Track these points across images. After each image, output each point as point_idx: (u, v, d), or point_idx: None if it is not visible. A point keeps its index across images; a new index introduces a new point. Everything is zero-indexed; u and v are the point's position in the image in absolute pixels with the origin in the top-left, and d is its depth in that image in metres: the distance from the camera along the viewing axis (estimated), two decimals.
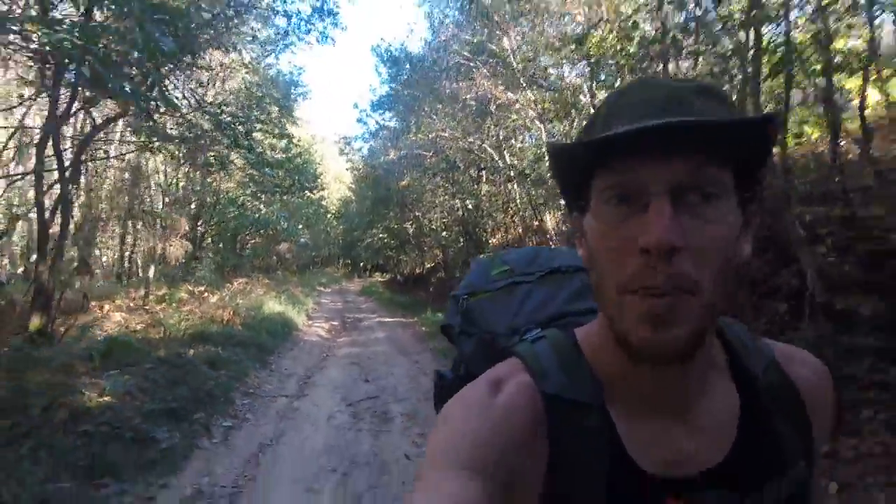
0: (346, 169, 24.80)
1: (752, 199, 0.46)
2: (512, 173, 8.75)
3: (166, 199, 8.71)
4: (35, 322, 5.27)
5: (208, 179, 11.24)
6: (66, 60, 3.47)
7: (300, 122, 13.04)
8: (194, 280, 10.40)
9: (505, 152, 9.23)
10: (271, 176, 8.20)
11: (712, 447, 0.50)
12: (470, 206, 11.27)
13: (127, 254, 11.57)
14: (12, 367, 3.73)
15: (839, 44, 4.25)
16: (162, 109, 4.32)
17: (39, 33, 3.14)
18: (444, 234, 12.66)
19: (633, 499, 0.48)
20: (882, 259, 3.70)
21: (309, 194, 16.88)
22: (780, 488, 0.50)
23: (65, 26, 3.25)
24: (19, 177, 6.60)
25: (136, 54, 3.69)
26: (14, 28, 3.36)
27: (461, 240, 12.41)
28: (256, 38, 8.17)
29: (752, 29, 3.97)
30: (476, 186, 10.61)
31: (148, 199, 8.42)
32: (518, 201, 9.57)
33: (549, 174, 8.68)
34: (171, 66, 4.33)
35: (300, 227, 17.00)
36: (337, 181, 29.95)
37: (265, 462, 3.33)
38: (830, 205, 4.37)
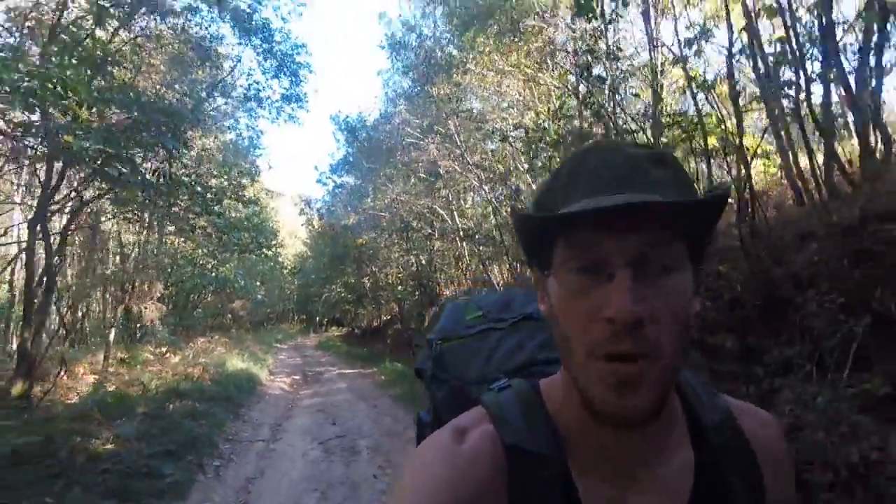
0: (302, 224, 25.54)
1: (701, 266, 0.48)
2: (461, 233, 9.87)
3: (125, 264, 9.19)
4: (17, 388, 5.73)
5: (164, 242, 11.79)
6: (87, 160, 4.28)
7: (258, 180, 13.82)
8: (156, 341, 10.73)
9: (454, 212, 10.39)
10: (237, 238, 8.93)
11: None
12: (423, 262, 12.30)
13: (79, 316, 11.77)
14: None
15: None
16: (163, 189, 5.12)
17: (72, 139, 3.97)
18: (399, 287, 13.56)
19: None
20: (736, 305, 4.90)
21: (266, 252, 17.49)
22: None
23: (89, 133, 4.10)
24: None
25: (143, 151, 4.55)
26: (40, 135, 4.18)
27: (416, 293, 13.34)
28: (229, 117, 9.11)
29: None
30: (429, 243, 11.68)
31: (110, 263, 8.89)
32: (467, 257, 10.67)
33: (493, 232, 9.87)
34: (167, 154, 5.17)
35: (257, 284, 17.47)
36: (292, 236, 30.46)
37: (255, 490, 4.00)
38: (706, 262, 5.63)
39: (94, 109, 3.82)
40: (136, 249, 10.17)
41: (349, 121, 12.29)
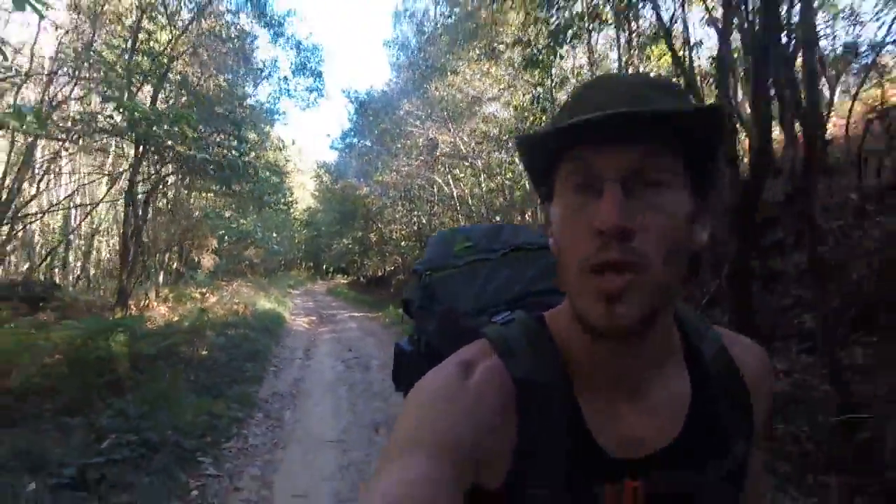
0: (311, 178, 27.45)
1: (706, 187, 0.50)
2: (456, 199, 11.80)
3: (190, 222, 11.25)
4: (118, 314, 7.89)
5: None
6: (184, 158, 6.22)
7: (285, 151, 15.64)
8: (195, 283, 12.89)
9: (451, 180, 12.28)
10: (269, 201, 10.90)
11: (665, 427, 0.54)
12: (424, 221, 14.26)
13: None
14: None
15: None
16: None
17: (182, 149, 5.88)
18: (402, 243, 15.60)
19: (594, 480, 0.51)
20: None
21: (283, 206, 19.48)
22: (722, 466, 0.54)
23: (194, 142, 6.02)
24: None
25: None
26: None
27: (417, 248, 15.39)
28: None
29: None
30: (428, 206, 13.62)
31: (180, 222, 10.96)
32: (461, 218, 12.64)
33: (483, 197, 11.78)
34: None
35: (273, 235, 19.51)
36: (301, 188, 32.36)
37: (302, 383, 6.15)
38: None
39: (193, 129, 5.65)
40: (197, 212, 12.21)
41: (359, 96, 13.99)
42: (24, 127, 5.66)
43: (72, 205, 11.13)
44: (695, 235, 0.50)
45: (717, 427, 0.55)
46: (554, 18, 5.07)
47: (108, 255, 14.84)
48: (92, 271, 13.66)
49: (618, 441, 0.52)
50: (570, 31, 4.95)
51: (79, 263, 13.52)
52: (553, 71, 6.08)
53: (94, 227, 13.06)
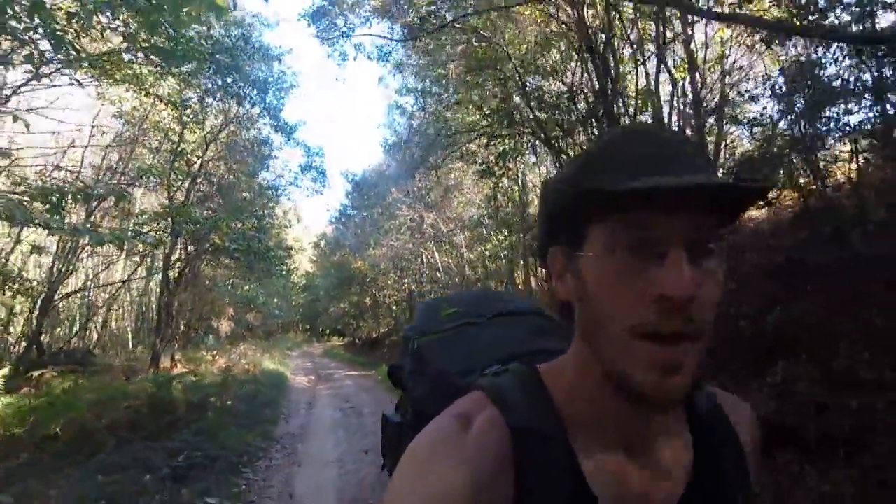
0: (308, 243, 29.51)
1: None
2: (440, 269, 13.67)
3: (212, 293, 13.04)
4: (151, 373, 9.50)
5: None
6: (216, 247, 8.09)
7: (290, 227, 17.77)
8: (206, 347, 14.46)
9: (436, 253, 14.18)
10: (275, 272, 12.73)
11: (668, 485, 0.54)
12: (413, 288, 16.07)
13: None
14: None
15: None
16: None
17: (219, 241, 7.76)
18: (395, 307, 17.32)
19: None
20: None
21: (283, 274, 21.40)
22: None
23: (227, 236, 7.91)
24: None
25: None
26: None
27: (408, 311, 17.10)
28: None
29: None
30: (416, 275, 15.48)
31: (204, 294, 12.76)
32: (444, 287, 14.46)
33: (465, 269, 13.62)
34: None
35: (274, 300, 21.25)
36: (300, 253, 34.48)
37: (308, 426, 7.70)
38: None
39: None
40: (217, 285, 14.07)
41: (355, 177, 16.23)
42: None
43: (100, 283, 12.95)
44: None
45: (721, 484, 0.56)
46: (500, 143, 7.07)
47: (122, 325, 16.53)
48: (106, 339, 15.27)
49: (617, 496, 0.52)
50: (511, 153, 6.91)
51: (96, 332, 15.18)
52: (503, 178, 8.10)
53: (110, 301, 14.81)
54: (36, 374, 7.28)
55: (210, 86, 9.02)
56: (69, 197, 4.61)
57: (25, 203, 4.53)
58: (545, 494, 0.51)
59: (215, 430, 5.75)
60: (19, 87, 7.14)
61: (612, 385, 0.49)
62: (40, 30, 4.72)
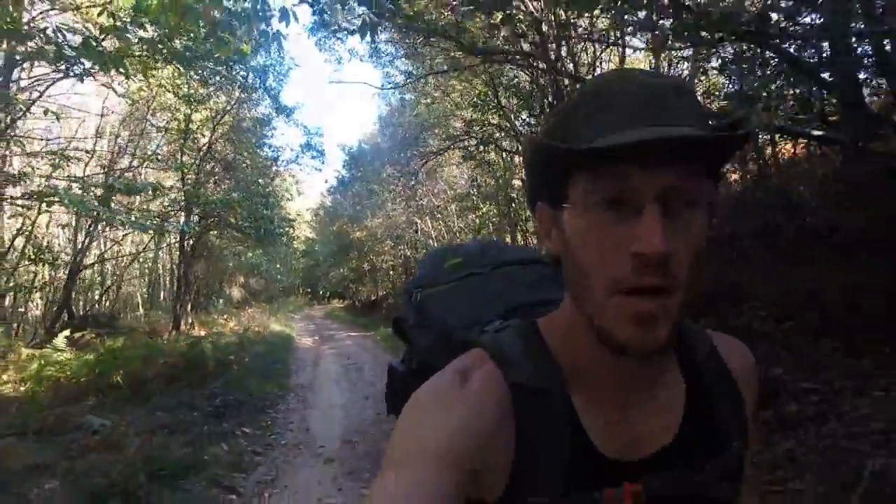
0: (307, 209, 30.54)
1: (713, 201, 0.49)
2: (434, 236, 14.77)
3: (221, 263, 14.18)
4: (172, 335, 10.72)
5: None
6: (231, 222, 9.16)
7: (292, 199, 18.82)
8: (217, 311, 15.72)
9: (429, 221, 15.24)
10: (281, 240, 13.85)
11: (662, 429, 0.56)
12: (409, 254, 17.20)
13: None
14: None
15: None
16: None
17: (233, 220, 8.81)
18: (391, 272, 18.51)
19: (593, 482, 0.52)
20: None
21: (285, 240, 22.58)
22: (719, 465, 0.56)
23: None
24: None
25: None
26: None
27: (404, 275, 18.30)
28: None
29: None
30: (410, 243, 16.59)
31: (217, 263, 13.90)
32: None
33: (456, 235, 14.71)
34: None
35: (277, 265, 22.42)
36: (298, 216, 35.63)
37: (315, 379, 8.96)
38: None
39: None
40: (229, 254, 15.22)
41: (351, 149, 17.14)
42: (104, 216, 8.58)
43: (117, 255, 14.05)
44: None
45: (714, 426, 0.57)
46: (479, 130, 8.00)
47: (134, 292, 17.74)
48: (120, 304, 16.52)
49: (616, 444, 0.54)
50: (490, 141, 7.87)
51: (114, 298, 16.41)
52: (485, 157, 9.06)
53: (125, 270, 15.94)
54: (77, 335, 8.46)
55: (212, 73, 9.84)
56: (115, 191, 5.65)
57: (83, 196, 5.57)
58: (546, 449, 0.52)
59: (240, 381, 6.97)
60: (52, 83, 8.05)
61: (598, 340, 0.50)
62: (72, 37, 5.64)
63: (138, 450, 3.87)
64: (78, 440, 4.27)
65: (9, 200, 7.37)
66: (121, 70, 5.81)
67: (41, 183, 7.99)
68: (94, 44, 5.11)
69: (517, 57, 6.12)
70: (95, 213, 5.44)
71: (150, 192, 7.47)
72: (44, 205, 6.20)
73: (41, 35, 5.98)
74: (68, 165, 11.22)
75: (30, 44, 5.82)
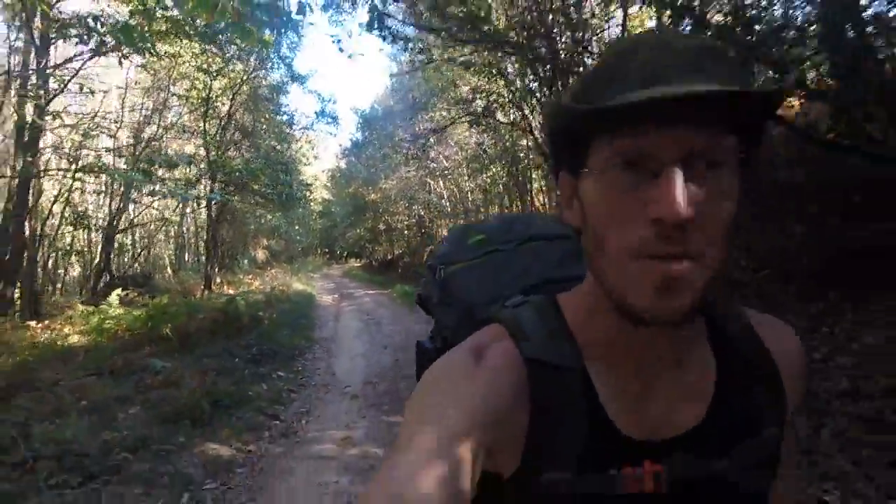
0: (323, 171, 31.19)
1: (746, 165, 0.46)
2: (445, 198, 15.37)
3: (246, 227, 15.03)
4: (203, 293, 11.66)
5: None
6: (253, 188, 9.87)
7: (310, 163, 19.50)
8: (242, 270, 16.68)
9: (441, 183, 15.79)
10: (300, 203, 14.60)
11: (689, 410, 0.53)
12: (422, 213, 17.85)
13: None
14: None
15: None
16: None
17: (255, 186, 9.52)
18: (406, 231, 19.23)
19: (611, 461, 0.51)
20: None
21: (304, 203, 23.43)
22: (750, 451, 0.53)
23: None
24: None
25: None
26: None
27: (418, 235, 19.00)
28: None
29: None
30: (423, 203, 17.21)
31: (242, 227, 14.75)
32: (450, 212, 16.20)
33: (469, 195, 15.28)
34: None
35: (296, 227, 23.30)
36: (315, 179, 36.39)
37: (337, 332, 9.83)
38: None
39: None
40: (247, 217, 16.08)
41: (364, 112, 17.55)
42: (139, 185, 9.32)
43: (147, 220, 14.97)
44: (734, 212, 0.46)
45: (746, 410, 0.54)
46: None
47: (162, 254, 18.80)
48: (150, 266, 17.64)
49: (637, 424, 0.52)
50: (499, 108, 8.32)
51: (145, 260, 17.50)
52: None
53: (155, 233, 16.91)
54: (122, 293, 9.38)
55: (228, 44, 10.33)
56: (157, 165, 6.35)
57: (129, 170, 6.28)
58: (562, 426, 0.51)
59: (272, 334, 7.82)
60: (86, 61, 8.67)
61: (617, 310, 0.48)
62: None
63: (196, 386, 4.69)
64: (144, 379, 5.12)
65: (59, 172, 8.11)
66: (153, 52, 6.40)
67: (79, 154, 8.74)
68: (130, 28, 5.68)
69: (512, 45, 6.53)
70: (140, 185, 6.16)
71: (186, 166, 8.15)
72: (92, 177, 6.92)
73: (77, 19, 6.58)
74: (98, 136, 11.98)
75: (71, 30, 6.43)
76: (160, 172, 7.40)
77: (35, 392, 4.47)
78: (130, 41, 5.53)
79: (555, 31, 6.91)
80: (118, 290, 8.49)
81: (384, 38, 6.66)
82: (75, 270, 16.50)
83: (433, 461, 0.45)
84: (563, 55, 6.75)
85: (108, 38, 6.08)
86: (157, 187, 6.75)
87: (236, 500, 3.09)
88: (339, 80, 60.65)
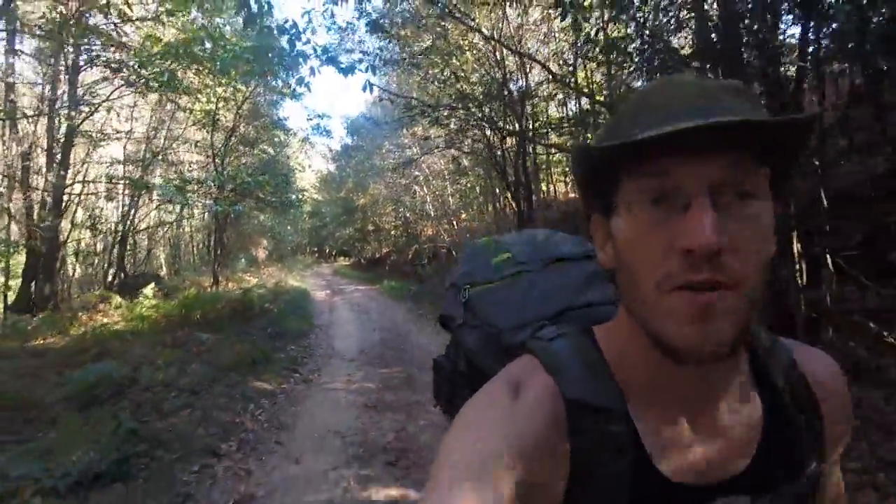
0: (313, 171, 32.90)
1: (781, 198, 0.47)
2: (429, 202, 17.25)
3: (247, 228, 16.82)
4: (212, 288, 13.43)
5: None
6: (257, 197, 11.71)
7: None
8: (240, 269, 18.43)
9: (424, 188, 17.67)
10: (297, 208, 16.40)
11: (736, 454, 0.53)
12: (408, 216, 19.73)
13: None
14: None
15: None
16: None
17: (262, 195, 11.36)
18: (393, 232, 21.10)
19: None
20: None
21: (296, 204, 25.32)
22: (794, 490, 0.54)
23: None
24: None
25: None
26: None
27: (405, 235, 20.88)
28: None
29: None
30: (409, 206, 19.09)
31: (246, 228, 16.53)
32: (433, 215, 18.08)
33: (448, 199, 17.14)
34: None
35: (288, 227, 25.08)
36: (311, 189, 38.30)
37: (333, 320, 11.66)
38: None
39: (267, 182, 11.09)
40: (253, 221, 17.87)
41: (354, 120, 19.38)
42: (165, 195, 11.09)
43: (156, 223, 16.69)
44: (772, 244, 0.48)
45: (791, 453, 0.54)
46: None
47: (169, 254, 20.50)
48: (157, 265, 19.37)
49: (682, 468, 0.52)
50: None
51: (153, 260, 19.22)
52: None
53: (162, 236, 18.59)
54: (144, 289, 11.15)
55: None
56: (190, 184, 8.15)
57: (167, 185, 8.06)
58: (605, 470, 0.50)
59: (281, 320, 9.66)
60: (118, 88, 10.44)
61: (656, 348, 0.48)
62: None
63: (237, 352, 6.54)
64: (192, 349, 6.94)
65: (106, 183, 9.86)
66: (185, 92, 8.19)
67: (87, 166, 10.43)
68: (175, 76, 7.46)
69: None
70: (177, 200, 7.96)
71: (210, 182, 9.95)
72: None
73: (123, 64, 8.33)
74: (108, 145, 13.71)
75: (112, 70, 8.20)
76: (188, 187, 9.13)
77: (119, 358, 6.28)
78: (172, 88, 7.33)
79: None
80: (151, 285, 10.26)
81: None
82: (78, 271, 18.19)
83: (471, 499, 0.45)
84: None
85: (151, 83, 7.85)
86: (195, 201, 8.49)
87: (285, 408, 4.96)
88: (329, 84, 62.64)
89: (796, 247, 4.01)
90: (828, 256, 3.98)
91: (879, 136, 5.23)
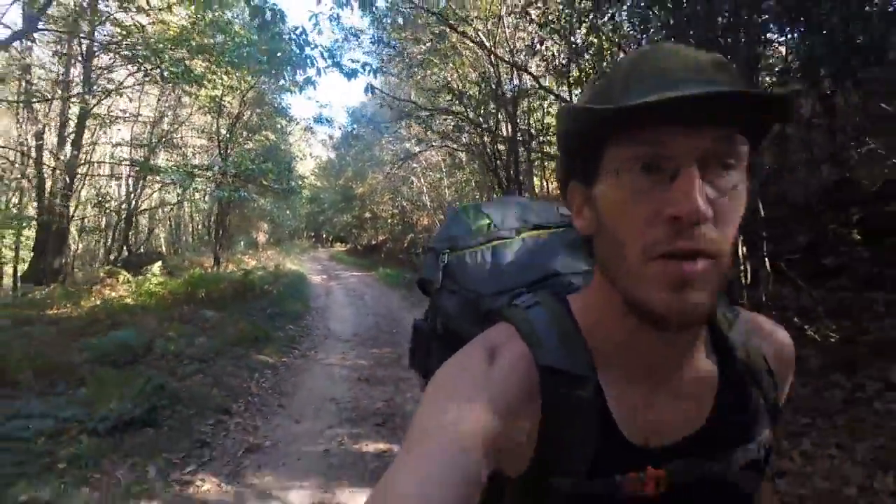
0: (311, 154, 33.32)
1: (754, 165, 0.48)
2: (426, 191, 17.80)
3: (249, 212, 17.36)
4: (214, 269, 14.00)
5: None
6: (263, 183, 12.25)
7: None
8: (239, 251, 18.97)
9: (421, 178, 18.20)
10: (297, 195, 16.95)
11: (691, 415, 0.56)
12: (405, 205, 20.28)
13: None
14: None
15: None
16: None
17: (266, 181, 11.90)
18: (389, 220, 21.65)
19: (617, 468, 0.54)
20: None
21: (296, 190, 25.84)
22: (745, 454, 0.57)
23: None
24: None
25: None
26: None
27: (401, 223, 21.45)
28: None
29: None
30: (406, 196, 19.63)
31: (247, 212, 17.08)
32: (429, 205, 18.64)
33: (444, 191, 17.71)
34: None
35: (286, 212, 25.56)
36: (311, 176, 38.78)
37: (329, 304, 12.26)
38: None
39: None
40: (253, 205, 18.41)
41: (354, 109, 19.88)
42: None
43: (159, 204, 17.19)
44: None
45: (744, 415, 0.57)
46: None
47: (167, 235, 21.02)
48: (158, 244, 19.91)
49: (642, 429, 0.55)
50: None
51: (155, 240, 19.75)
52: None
53: (163, 216, 19.10)
54: (151, 267, 11.71)
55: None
56: (195, 171, 8.69)
57: (178, 170, 8.61)
58: (572, 433, 0.53)
59: (280, 301, 10.24)
60: (133, 75, 10.91)
61: (633, 314, 0.50)
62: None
63: (240, 328, 7.12)
64: (199, 324, 7.52)
65: (117, 166, 10.36)
66: (197, 82, 8.69)
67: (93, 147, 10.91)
68: (189, 70, 7.95)
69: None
70: (185, 184, 8.49)
71: (215, 170, 10.48)
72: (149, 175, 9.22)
73: (138, 56, 8.83)
74: (118, 130, 14.22)
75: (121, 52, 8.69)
76: (196, 172, 9.63)
77: (132, 328, 6.86)
78: (188, 81, 7.83)
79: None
80: (159, 263, 10.83)
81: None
82: (79, 247, 18.71)
83: (445, 460, 0.46)
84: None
85: (167, 74, 8.35)
86: (201, 187, 9.00)
87: (285, 378, 5.56)
88: (333, 80, 63.45)
89: (742, 249, 4.61)
90: (766, 259, 4.58)
91: (831, 153, 5.82)
